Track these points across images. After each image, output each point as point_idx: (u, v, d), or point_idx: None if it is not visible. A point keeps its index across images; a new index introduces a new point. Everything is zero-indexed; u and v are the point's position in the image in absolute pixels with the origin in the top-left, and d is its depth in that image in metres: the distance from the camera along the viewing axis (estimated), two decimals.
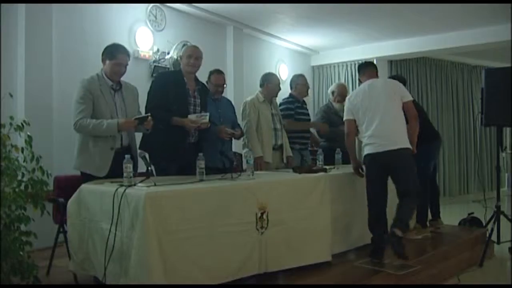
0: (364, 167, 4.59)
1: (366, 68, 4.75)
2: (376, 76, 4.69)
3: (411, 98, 4.50)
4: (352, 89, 9.63)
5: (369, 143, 4.39)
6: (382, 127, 4.33)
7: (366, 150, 4.44)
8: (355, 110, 4.48)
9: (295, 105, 5.72)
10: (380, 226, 4.45)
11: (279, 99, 5.66)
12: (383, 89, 4.45)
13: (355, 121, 4.51)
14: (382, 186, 4.46)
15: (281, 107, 5.69)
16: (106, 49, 4.00)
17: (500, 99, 5.31)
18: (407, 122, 4.44)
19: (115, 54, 3.94)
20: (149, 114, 3.94)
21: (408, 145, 4.34)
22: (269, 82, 5.40)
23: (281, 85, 5.62)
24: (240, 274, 3.55)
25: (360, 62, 9.56)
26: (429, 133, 5.52)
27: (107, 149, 3.85)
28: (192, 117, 4.20)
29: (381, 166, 4.38)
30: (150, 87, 4.40)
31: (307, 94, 5.95)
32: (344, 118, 4.59)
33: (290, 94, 5.86)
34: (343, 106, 6.33)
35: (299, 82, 5.84)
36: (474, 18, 7.56)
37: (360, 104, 4.45)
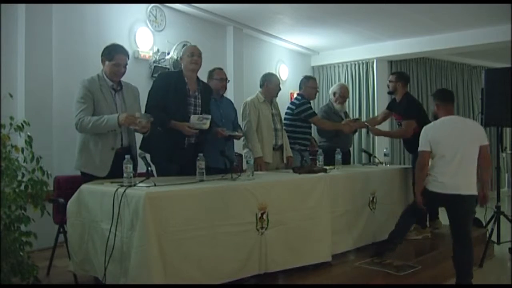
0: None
1: (447, 102, 4.42)
2: (453, 113, 4.46)
3: (488, 142, 4.35)
4: (352, 90, 9.69)
5: (440, 181, 4.21)
6: (459, 169, 4.18)
7: (434, 187, 4.26)
8: (434, 143, 4.26)
9: (307, 106, 5.69)
10: (407, 227, 4.57)
11: (279, 99, 5.66)
12: (467, 131, 4.29)
13: (430, 153, 4.30)
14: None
15: (300, 108, 5.66)
16: (105, 50, 4.01)
17: (500, 100, 5.32)
18: None
19: (113, 54, 3.94)
20: (151, 117, 3.91)
21: (476, 192, 4.22)
22: (269, 82, 5.39)
23: (281, 86, 5.62)
24: (240, 274, 3.55)
25: (358, 62, 9.63)
26: None
27: (108, 149, 3.85)
28: (194, 119, 4.19)
29: (442, 203, 4.34)
30: (151, 87, 4.40)
31: (315, 97, 5.93)
32: (421, 149, 4.31)
33: (300, 94, 5.84)
34: (344, 107, 6.37)
35: (308, 84, 5.83)
36: (474, 19, 7.57)
37: (441, 139, 4.25)
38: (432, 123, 4.42)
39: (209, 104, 4.57)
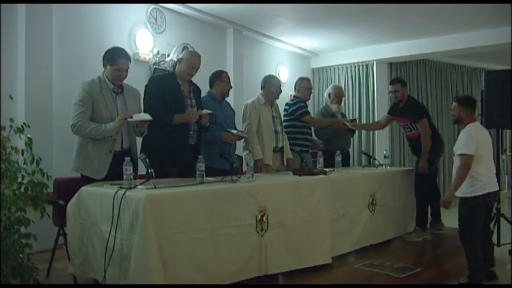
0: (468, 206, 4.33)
1: (473, 109, 4.53)
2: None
3: None
4: (352, 92, 9.73)
5: (483, 181, 4.27)
6: (492, 169, 4.41)
7: (479, 190, 4.25)
8: (479, 146, 4.31)
9: (300, 105, 5.74)
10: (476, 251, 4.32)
11: (280, 101, 5.67)
12: (488, 134, 4.54)
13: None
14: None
15: (293, 107, 5.72)
16: (106, 54, 4.00)
17: (499, 102, 5.31)
18: None
19: (115, 59, 3.93)
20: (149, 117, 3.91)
21: None
22: (270, 85, 5.40)
23: (281, 88, 5.63)
24: (241, 276, 3.55)
25: (358, 64, 9.65)
26: (432, 138, 5.61)
27: (106, 152, 3.84)
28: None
29: (488, 205, 4.35)
30: (145, 92, 4.36)
31: (309, 98, 5.96)
32: (468, 152, 4.28)
33: (295, 96, 5.90)
34: (341, 107, 6.40)
35: (302, 85, 5.87)
36: (474, 21, 7.57)
37: (482, 142, 4.35)
38: (469, 127, 4.40)
39: (200, 103, 4.60)
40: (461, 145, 4.34)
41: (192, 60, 4.46)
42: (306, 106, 5.79)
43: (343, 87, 8.11)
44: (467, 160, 4.26)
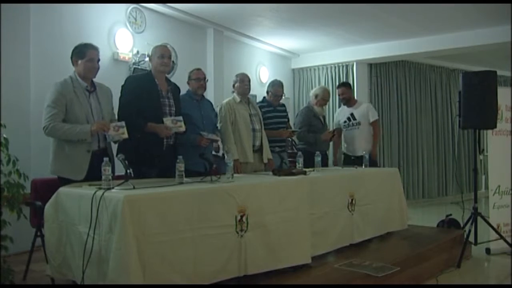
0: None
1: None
2: None
3: None
4: (332, 92, 9.74)
5: None
6: None
7: None
8: None
9: (264, 110, 5.73)
10: None
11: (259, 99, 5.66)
12: None
13: None
14: None
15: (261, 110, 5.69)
16: (74, 50, 3.97)
17: (477, 103, 5.38)
18: None
19: (84, 51, 3.91)
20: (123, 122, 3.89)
21: None
22: (236, 81, 5.41)
23: (261, 88, 5.62)
24: (220, 277, 3.53)
25: (338, 64, 9.71)
26: None
27: (84, 152, 3.80)
28: (167, 122, 4.20)
29: None
30: (121, 93, 4.33)
31: (277, 103, 5.92)
32: (377, 117, 6.42)
33: (263, 98, 5.94)
34: (323, 110, 6.43)
35: (271, 90, 5.88)
36: (452, 22, 7.67)
37: None
38: (364, 102, 6.74)
39: (180, 103, 4.58)
40: (374, 113, 6.40)
41: (158, 50, 4.44)
42: (262, 114, 5.67)
43: None
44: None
